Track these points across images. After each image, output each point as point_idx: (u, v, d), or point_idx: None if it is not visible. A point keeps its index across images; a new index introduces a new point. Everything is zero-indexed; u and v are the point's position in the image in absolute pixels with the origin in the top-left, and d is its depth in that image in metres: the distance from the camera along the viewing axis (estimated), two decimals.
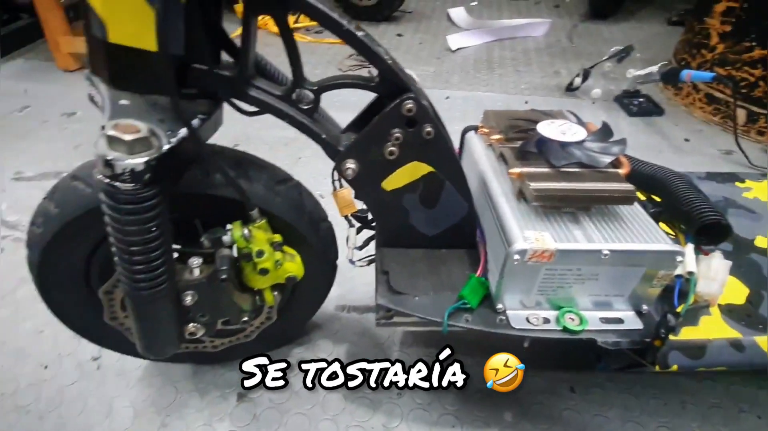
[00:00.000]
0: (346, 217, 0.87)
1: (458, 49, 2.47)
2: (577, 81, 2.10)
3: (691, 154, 1.84)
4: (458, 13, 2.81)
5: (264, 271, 0.72)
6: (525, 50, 2.53)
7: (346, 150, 0.66)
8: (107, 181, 0.52)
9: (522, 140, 0.74)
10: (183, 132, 0.56)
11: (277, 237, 0.77)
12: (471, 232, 0.78)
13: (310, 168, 1.53)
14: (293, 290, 0.90)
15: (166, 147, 0.54)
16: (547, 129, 0.72)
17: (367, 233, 0.93)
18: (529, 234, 0.62)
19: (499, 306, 0.69)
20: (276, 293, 0.83)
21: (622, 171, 0.68)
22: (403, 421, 0.94)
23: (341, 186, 0.84)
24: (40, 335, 1.10)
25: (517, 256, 0.61)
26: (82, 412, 0.95)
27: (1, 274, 1.23)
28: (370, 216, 0.91)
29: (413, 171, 0.68)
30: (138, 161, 0.51)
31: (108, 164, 0.50)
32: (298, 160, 1.57)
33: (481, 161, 0.79)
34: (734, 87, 1.68)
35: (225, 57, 0.65)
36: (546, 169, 0.67)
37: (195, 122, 0.58)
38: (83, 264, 0.74)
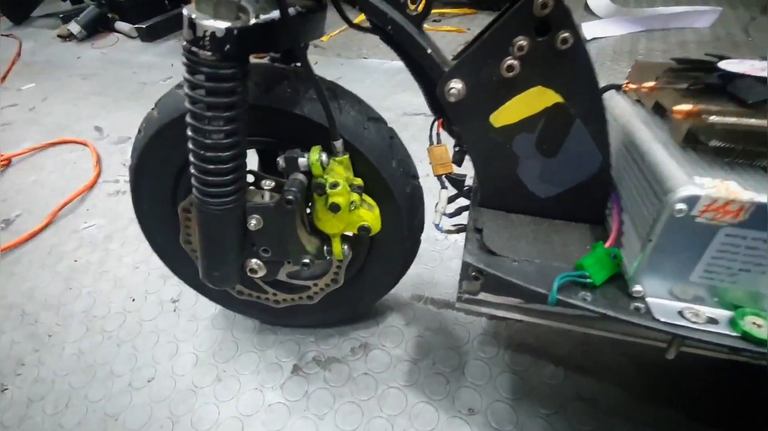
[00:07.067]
0: (439, 178, 0.73)
1: (594, 38, 2.19)
2: None
3: None
4: (599, 1, 2.50)
5: (335, 207, 0.61)
6: (682, 42, 2.13)
7: (454, 67, 0.54)
8: (187, 44, 0.46)
9: (693, 80, 0.54)
10: (274, 14, 0.49)
11: (358, 181, 0.68)
12: (600, 200, 0.59)
13: (408, 149, 1.43)
14: (367, 254, 0.79)
15: (252, 21, 0.47)
16: (734, 65, 0.52)
17: (460, 203, 0.78)
18: (703, 180, 0.41)
19: (637, 288, 0.49)
20: (346, 247, 0.72)
21: None
22: None
23: (439, 141, 0.72)
24: (136, 270, 1.16)
25: (681, 206, 0.41)
26: (153, 348, 0.98)
27: (119, 212, 1.35)
28: (468, 182, 0.76)
29: (535, 100, 0.53)
30: (219, 25, 0.45)
31: (191, 24, 0.45)
32: None
33: (624, 116, 0.60)
34: None
35: None
36: (733, 107, 0.46)
37: (290, 11, 0.52)
38: (173, 179, 0.72)
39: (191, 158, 0.57)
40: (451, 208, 0.78)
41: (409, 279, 1.02)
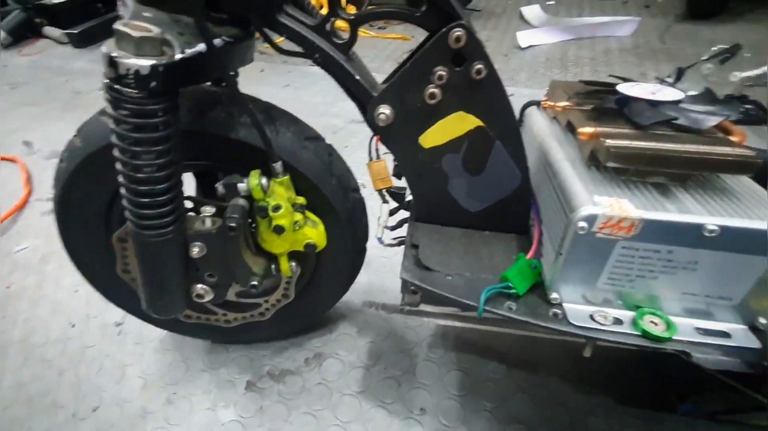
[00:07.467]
0: (380, 192, 0.75)
1: (529, 46, 2.31)
2: (668, 82, 1.83)
3: None
4: (532, 11, 2.65)
5: (279, 229, 0.62)
6: (607, 50, 2.30)
7: (381, 93, 0.55)
8: (110, 82, 0.45)
9: (597, 103, 0.59)
10: (201, 47, 0.49)
11: (300, 199, 0.68)
12: (523, 212, 0.63)
13: (355, 157, 1.45)
14: (315, 268, 0.79)
15: (178, 56, 0.46)
16: (631, 89, 0.57)
17: (403, 215, 0.81)
18: (601, 200, 0.46)
19: (554, 296, 0.53)
20: (293, 264, 0.73)
21: (734, 139, 0.50)
22: None
23: (378, 157, 0.74)
24: (75, 294, 1.10)
25: (583, 224, 0.45)
26: (97, 375, 0.93)
27: (54, 233, 1.25)
28: (408, 197, 0.78)
29: (457, 124, 0.56)
30: (144, 63, 0.44)
31: (112, 63, 0.44)
32: (345, 148, 1.51)
33: (542, 133, 0.65)
34: None
35: None
36: (628, 130, 0.51)
37: (217, 41, 0.51)
38: (104, 208, 0.69)
39: (123, 191, 0.55)
40: (393, 220, 0.80)
41: (360, 287, 1.03)
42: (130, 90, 0.47)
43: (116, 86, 0.47)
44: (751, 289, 0.48)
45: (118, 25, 0.46)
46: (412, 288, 0.60)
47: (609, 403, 0.82)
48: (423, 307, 0.67)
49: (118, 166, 0.53)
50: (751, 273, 0.46)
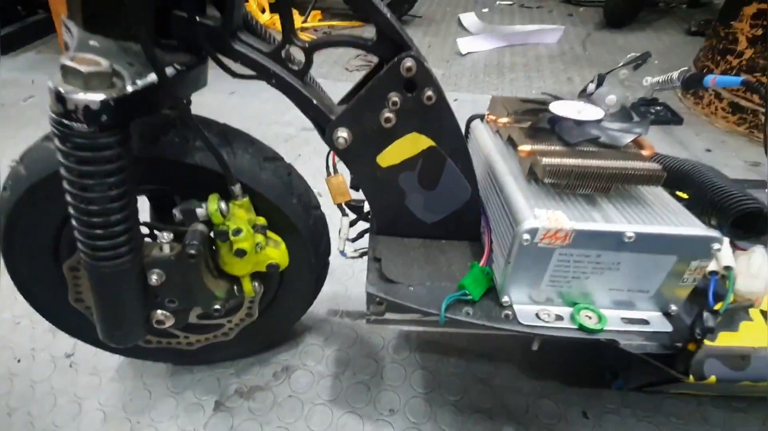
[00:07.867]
0: (339, 206, 0.78)
1: (468, 53, 2.43)
2: (591, 87, 2.04)
3: (714, 165, 1.76)
4: (469, 18, 2.79)
5: (241, 253, 0.62)
6: (537, 56, 2.47)
7: (339, 117, 0.57)
8: (57, 117, 0.43)
9: (533, 121, 0.65)
10: (152, 77, 0.48)
11: (261, 220, 0.69)
12: (474, 222, 0.68)
13: (310, 165, 1.48)
14: (278, 285, 0.80)
15: (129, 89, 0.46)
16: (560, 108, 0.64)
17: (363, 226, 0.83)
18: (541, 213, 0.52)
19: (505, 299, 0.58)
20: (256, 284, 0.73)
21: (645, 152, 0.58)
22: None
23: (336, 172, 0.76)
24: (17, 326, 1.02)
25: (526, 236, 0.51)
26: (51, 411, 0.88)
27: None
28: (366, 208, 0.81)
29: (412, 144, 0.59)
30: (93, 98, 0.43)
31: (59, 98, 0.42)
32: (298, 157, 1.51)
33: (487, 147, 0.70)
34: (765, 93, 1.55)
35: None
36: (560, 147, 0.57)
37: (169, 71, 0.51)
38: (52, 237, 0.65)
39: (75, 223, 0.53)
40: (354, 231, 0.83)
41: (324, 296, 1.04)
42: (80, 125, 0.45)
43: (64, 121, 0.45)
44: (663, 282, 0.56)
45: (65, 60, 0.44)
46: (378, 300, 0.63)
47: (556, 385, 0.90)
48: (387, 316, 0.70)
49: (68, 198, 0.51)
50: (663, 269, 0.55)
